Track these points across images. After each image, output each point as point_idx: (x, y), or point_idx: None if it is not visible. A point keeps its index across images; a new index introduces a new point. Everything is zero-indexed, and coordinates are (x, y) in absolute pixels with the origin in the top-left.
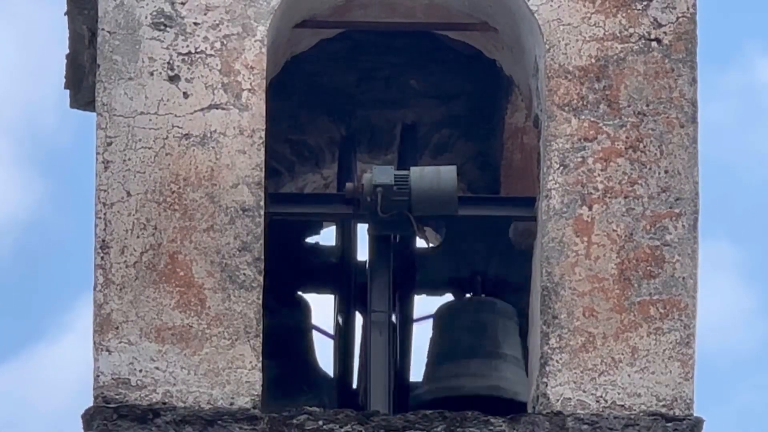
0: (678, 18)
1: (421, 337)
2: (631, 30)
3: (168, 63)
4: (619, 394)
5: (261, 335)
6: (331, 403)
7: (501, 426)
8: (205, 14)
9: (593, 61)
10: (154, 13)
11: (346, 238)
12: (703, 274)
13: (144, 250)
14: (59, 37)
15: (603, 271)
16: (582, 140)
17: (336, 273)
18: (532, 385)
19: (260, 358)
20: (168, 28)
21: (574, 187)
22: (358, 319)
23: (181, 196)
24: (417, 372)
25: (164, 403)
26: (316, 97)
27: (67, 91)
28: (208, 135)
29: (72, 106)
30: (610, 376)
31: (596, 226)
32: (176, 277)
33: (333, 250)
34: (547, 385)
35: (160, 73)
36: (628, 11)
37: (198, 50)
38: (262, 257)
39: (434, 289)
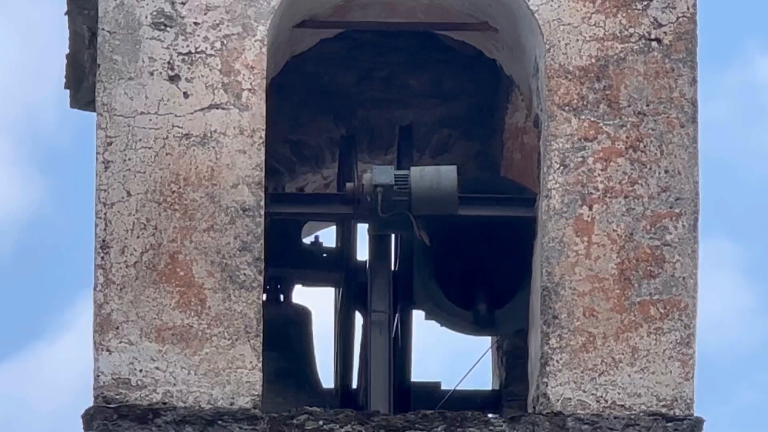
0: (678, 18)
1: (422, 337)
2: (632, 30)
3: (168, 63)
4: (619, 394)
5: (261, 335)
6: (331, 403)
7: (501, 426)
8: (206, 14)
9: (593, 61)
10: (155, 13)
11: (346, 238)
12: (703, 272)
13: (144, 250)
14: (60, 37)
15: (603, 271)
16: (582, 140)
17: (336, 272)
18: (532, 385)
19: (260, 358)
20: (168, 28)
21: (575, 186)
22: (358, 319)
23: (182, 196)
24: (417, 372)
25: (164, 403)
26: (316, 97)
27: (68, 91)
28: (209, 135)
29: (72, 105)
30: (611, 376)
31: (596, 226)
32: (176, 277)
33: (333, 250)
34: (547, 385)
35: (161, 72)
36: (629, 11)
37: (198, 50)
38: (263, 257)
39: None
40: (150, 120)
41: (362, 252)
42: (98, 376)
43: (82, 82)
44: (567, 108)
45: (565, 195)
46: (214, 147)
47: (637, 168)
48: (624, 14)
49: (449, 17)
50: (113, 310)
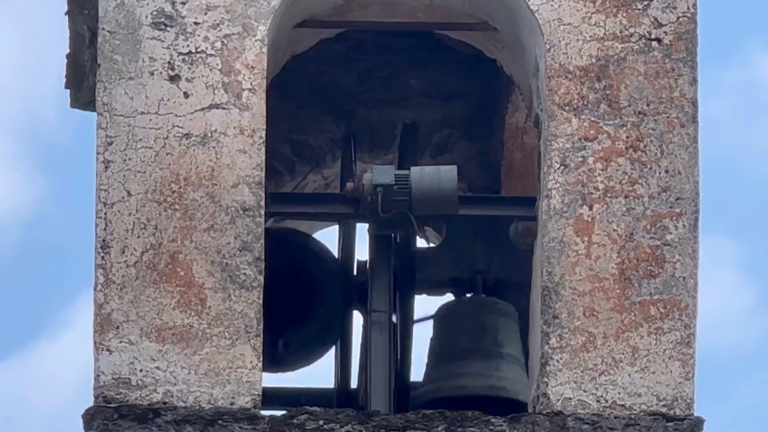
0: (678, 18)
1: (421, 337)
2: (632, 30)
3: (168, 63)
4: (619, 393)
5: (261, 335)
6: (331, 403)
7: (501, 426)
8: (206, 14)
9: (594, 60)
10: (155, 13)
11: (346, 237)
12: (704, 270)
13: (144, 250)
14: (60, 36)
15: (603, 270)
16: (582, 140)
17: (337, 270)
18: (532, 384)
19: (261, 358)
20: (168, 28)
21: (575, 186)
22: (359, 318)
23: (182, 196)
24: (417, 372)
25: (165, 403)
26: (317, 96)
27: (68, 90)
28: (209, 135)
29: (72, 105)
30: (611, 376)
31: (597, 225)
32: (177, 277)
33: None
34: (547, 385)
35: (161, 72)
36: (629, 11)
37: (198, 50)
38: (263, 257)
39: (434, 289)
40: (150, 120)
41: (362, 252)
42: (98, 375)
43: (83, 81)
44: (567, 108)
45: (566, 195)
46: (214, 147)
47: (637, 168)
48: (624, 14)
49: (449, 17)
50: (113, 310)
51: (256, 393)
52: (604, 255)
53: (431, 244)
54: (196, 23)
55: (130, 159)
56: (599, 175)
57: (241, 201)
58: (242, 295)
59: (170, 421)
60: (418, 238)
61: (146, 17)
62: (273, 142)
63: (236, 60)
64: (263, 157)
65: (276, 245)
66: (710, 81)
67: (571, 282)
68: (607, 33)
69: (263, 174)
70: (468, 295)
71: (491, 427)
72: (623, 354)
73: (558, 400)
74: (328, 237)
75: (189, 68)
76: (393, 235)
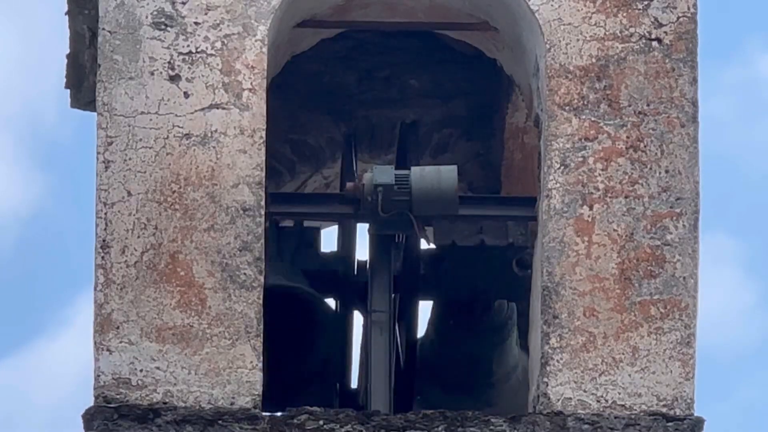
0: (678, 18)
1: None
2: (632, 30)
3: (169, 63)
4: (619, 393)
5: (262, 335)
6: (331, 403)
7: (501, 426)
8: (206, 14)
9: (594, 60)
10: (155, 13)
11: (347, 237)
12: (704, 268)
13: (144, 250)
14: (60, 34)
15: (603, 270)
16: (583, 140)
17: (336, 273)
18: (532, 385)
19: (261, 358)
20: (168, 28)
21: (575, 186)
22: (359, 318)
23: (182, 196)
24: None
25: (165, 403)
26: (317, 96)
27: (68, 90)
28: (209, 135)
29: (73, 105)
30: (611, 376)
31: (597, 225)
32: (177, 277)
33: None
34: (547, 385)
35: (161, 72)
36: (629, 11)
37: (198, 50)
38: (263, 257)
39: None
40: (150, 120)
41: (362, 252)
42: (99, 375)
43: (83, 81)
44: (567, 108)
45: (566, 195)
46: (214, 147)
47: (637, 168)
48: (624, 14)
49: (450, 17)
50: (113, 310)
51: (256, 393)
52: (605, 255)
53: (431, 245)
54: (196, 23)
55: (130, 159)
56: (599, 175)
57: (241, 201)
58: (242, 295)
59: (170, 421)
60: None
61: (146, 17)
62: (273, 142)
63: (236, 60)
64: (263, 157)
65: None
66: (711, 80)
67: (572, 282)
68: (607, 33)
69: (263, 174)
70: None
71: (491, 427)
72: (623, 354)
73: (558, 400)
74: (329, 237)
75: (189, 68)
76: (393, 235)
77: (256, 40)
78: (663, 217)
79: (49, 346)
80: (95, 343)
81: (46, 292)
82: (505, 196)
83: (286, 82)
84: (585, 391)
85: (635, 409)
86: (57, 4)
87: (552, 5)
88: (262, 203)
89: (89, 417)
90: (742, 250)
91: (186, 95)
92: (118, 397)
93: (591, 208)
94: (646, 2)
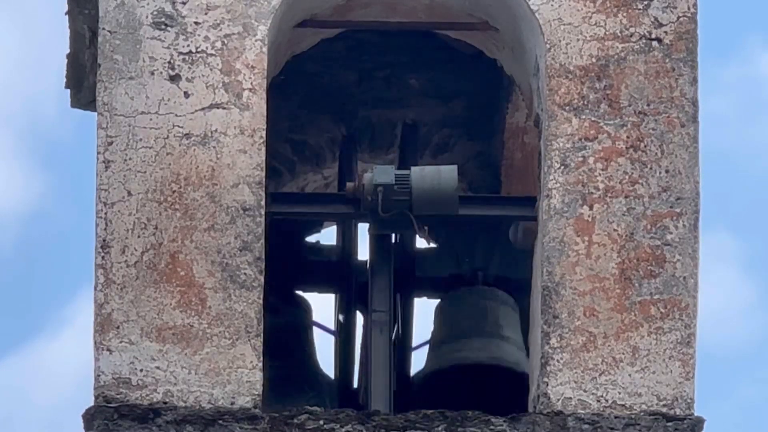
0: (679, 17)
1: (421, 337)
2: (632, 29)
3: (169, 62)
4: (619, 393)
5: (262, 335)
6: (331, 403)
7: (502, 425)
8: (206, 14)
9: (594, 60)
10: (155, 13)
11: (347, 237)
12: (704, 266)
13: (145, 250)
14: (61, 32)
15: (604, 270)
16: (583, 140)
17: (336, 272)
18: (533, 384)
19: (261, 358)
20: (169, 28)
21: (575, 186)
22: (359, 318)
23: (182, 196)
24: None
25: (165, 403)
26: (317, 96)
27: (68, 89)
28: (209, 134)
29: (73, 105)
30: (611, 376)
31: (597, 225)
32: (177, 277)
33: (333, 250)
34: (548, 385)
35: (161, 72)
36: (629, 11)
37: (199, 50)
38: (263, 257)
39: (434, 291)
40: (150, 120)
41: (362, 252)
42: (99, 375)
43: (83, 81)
44: (567, 108)
45: (566, 195)
46: (214, 147)
47: (637, 168)
48: (624, 14)
49: (450, 17)
50: (114, 310)
51: (257, 393)
52: (605, 255)
53: (431, 244)
54: (196, 23)
55: (130, 159)
56: (599, 175)
57: (241, 201)
58: (242, 295)
59: (170, 421)
60: (417, 237)
61: (146, 17)
62: (273, 142)
63: (236, 60)
64: (263, 157)
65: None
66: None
67: (572, 282)
68: (607, 33)
69: (263, 174)
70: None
71: (491, 427)
72: (623, 354)
73: (558, 399)
74: (329, 237)
75: (189, 68)
76: (393, 235)
77: (256, 40)
78: (663, 217)
79: (49, 346)
80: (95, 342)
81: (45, 290)
82: (505, 196)
83: (286, 82)
84: (585, 391)
85: (635, 409)
86: (57, 4)
87: (552, 5)
88: (262, 203)
89: (89, 417)
90: (742, 248)
91: (186, 95)
92: (118, 397)
93: (591, 208)
94: (646, 2)
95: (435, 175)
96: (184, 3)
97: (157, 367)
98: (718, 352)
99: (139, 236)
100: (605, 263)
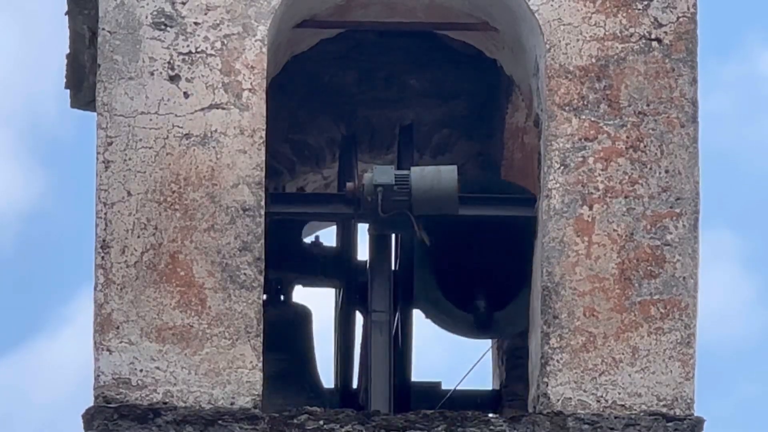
0: (678, 18)
1: (421, 337)
2: (632, 30)
3: (168, 63)
4: (619, 393)
5: (261, 335)
6: (331, 403)
7: (501, 426)
8: (206, 14)
9: (594, 60)
10: (155, 13)
11: (347, 237)
12: (704, 264)
13: (144, 250)
14: (61, 31)
15: (603, 270)
16: (582, 140)
17: (336, 272)
18: (532, 384)
19: (261, 358)
20: (168, 28)
21: (575, 186)
22: (359, 318)
23: (182, 196)
24: (417, 372)
25: (165, 403)
26: (317, 96)
27: (68, 89)
28: (209, 135)
29: (73, 105)
30: (611, 376)
31: (597, 225)
32: (177, 277)
33: (333, 250)
34: (547, 385)
35: (161, 72)
36: (629, 11)
37: (198, 50)
38: (263, 257)
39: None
40: (150, 120)
41: (362, 252)
42: (99, 375)
43: (83, 82)
44: (567, 108)
45: (566, 195)
46: (214, 147)
47: (637, 168)
48: (624, 14)
49: (449, 17)
50: (114, 310)
51: (256, 393)
52: (604, 255)
53: (428, 244)
54: (196, 23)
55: (130, 159)
56: (599, 175)
57: (241, 201)
58: (242, 295)
59: (170, 421)
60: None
61: (146, 17)
62: (273, 142)
63: (236, 60)
64: (263, 157)
65: None
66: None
67: (571, 282)
68: (607, 33)
69: (263, 174)
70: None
71: (491, 427)
72: (623, 354)
73: (558, 400)
74: (329, 237)
75: (189, 68)
76: (393, 235)
77: (256, 40)
78: (663, 217)
79: (49, 345)
80: (95, 343)
81: (45, 289)
82: (505, 196)
83: (285, 82)
84: (585, 391)
85: (635, 409)
86: (57, 4)
87: (552, 5)
88: (262, 203)
89: (89, 417)
90: (742, 246)
91: (186, 95)
92: (118, 397)
93: (591, 208)
94: (645, 2)
95: (435, 175)
96: (183, 3)
97: (157, 368)
98: (718, 350)
99: (138, 236)
100: (605, 263)
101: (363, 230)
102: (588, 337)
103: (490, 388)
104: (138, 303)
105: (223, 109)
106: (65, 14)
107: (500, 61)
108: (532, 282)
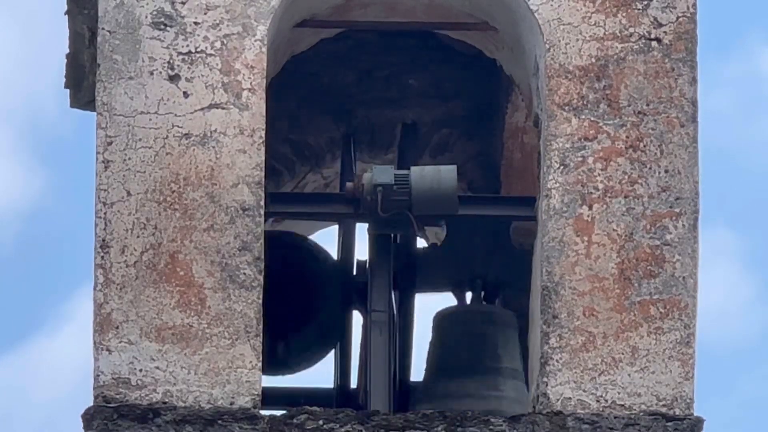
0: (678, 17)
1: (421, 336)
2: (632, 29)
3: (168, 62)
4: (619, 393)
5: (261, 335)
6: (331, 402)
7: (501, 426)
8: (206, 14)
9: (593, 60)
10: (155, 13)
11: (346, 237)
12: (703, 262)
13: (144, 250)
14: (60, 30)
15: (603, 270)
16: (582, 140)
17: (336, 272)
18: (532, 384)
19: (260, 358)
20: (168, 28)
21: (575, 186)
22: (358, 318)
23: (182, 196)
24: (417, 372)
25: (164, 403)
26: (317, 96)
27: (68, 89)
28: (209, 134)
29: (72, 105)
30: (611, 376)
31: (596, 225)
32: (176, 277)
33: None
34: (547, 385)
35: (161, 72)
36: (629, 11)
37: (198, 50)
38: (262, 257)
39: (434, 288)
40: (150, 120)
41: (362, 252)
42: (98, 375)
43: (83, 81)
44: (567, 108)
45: (565, 195)
46: (214, 147)
47: (637, 168)
48: (624, 14)
49: (449, 17)
50: (113, 310)
51: (256, 393)
52: (604, 255)
53: (436, 242)
54: (195, 23)
55: (129, 159)
56: (599, 175)
57: (240, 201)
58: (242, 295)
59: (170, 421)
60: (418, 237)
61: (146, 17)
62: (273, 142)
63: (236, 60)
64: (263, 157)
65: (274, 248)
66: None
67: (571, 282)
68: (606, 33)
69: (263, 174)
70: (468, 294)
71: (491, 427)
72: (623, 354)
73: (558, 400)
74: (328, 237)
75: (189, 68)
76: (393, 235)
77: (255, 40)
78: (662, 216)
79: (49, 343)
80: (95, 342)
81: (45, 287)
82: (505, 196)
83: (285, 82)
84: (584, 391)
85: (635, 409)
86: (57, 4)
87: (551, 5)
88: (262, 203)
89: (89, 417)
90: (742, 244)
91: (185, 95)
92: (117, 396)
93: (590, 207)
94: (645, 2)
95: (435, 175)
96: (183, 3)
97: (157, 367)
98: (718, 349)
99: (138, 236)
100: (605, 263)
101: (363, 230)
102: (588, 337)
103: None
104: (137, 303)
105: (223, 108)
106: (65, 14)
107: (500, 61)
108: (532, 281)
